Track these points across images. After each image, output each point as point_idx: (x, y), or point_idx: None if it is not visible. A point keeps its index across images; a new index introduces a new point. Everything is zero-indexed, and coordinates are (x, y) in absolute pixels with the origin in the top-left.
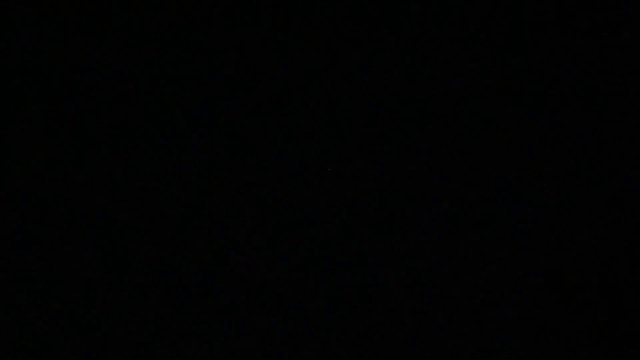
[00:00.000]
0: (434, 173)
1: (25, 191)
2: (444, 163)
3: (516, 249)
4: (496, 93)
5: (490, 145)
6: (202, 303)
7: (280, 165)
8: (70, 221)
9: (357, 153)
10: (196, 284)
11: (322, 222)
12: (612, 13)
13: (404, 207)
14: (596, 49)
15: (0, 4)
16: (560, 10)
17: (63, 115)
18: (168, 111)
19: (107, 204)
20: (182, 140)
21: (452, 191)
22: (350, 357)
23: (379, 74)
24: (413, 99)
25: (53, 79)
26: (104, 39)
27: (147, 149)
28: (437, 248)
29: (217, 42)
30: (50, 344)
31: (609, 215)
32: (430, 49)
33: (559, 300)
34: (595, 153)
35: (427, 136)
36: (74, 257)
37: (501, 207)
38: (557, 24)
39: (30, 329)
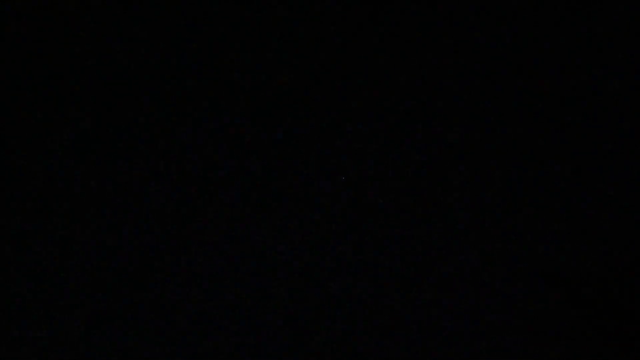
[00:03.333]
0: (436, 175)
1: (25, 191)
2: (446, 165)
3: (516, 249)
4: (496, 93)
5: (490, 145)
6: (200, 303)
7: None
8: (69, 221)
9: (359, 158)
10: (195, 284)
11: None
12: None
13: (405, 209)
14: (596, 49)
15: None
16: (559, 10)
17: (63, 115)
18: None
19: (106, 203)
20: (192, 145)
21: (453, 192)
22: (350, 357)
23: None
24: (414, 102)
25: (53, 79)
26: (104, 39)
27: (148, 149)
28: (438, 248)
29: (231, 47)
30: (50, 343)
31: (608, 215)
32: (434, 53)
33: (558, 300)
34: (594, 153)
35: (428, 138)
36: (73, 256)
37: (501, 207)
38: (556, 24)
39: (29, 327)
